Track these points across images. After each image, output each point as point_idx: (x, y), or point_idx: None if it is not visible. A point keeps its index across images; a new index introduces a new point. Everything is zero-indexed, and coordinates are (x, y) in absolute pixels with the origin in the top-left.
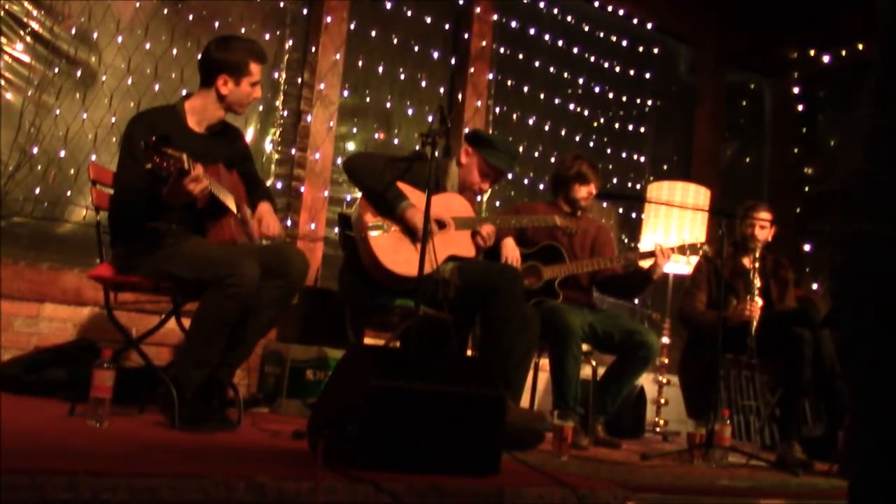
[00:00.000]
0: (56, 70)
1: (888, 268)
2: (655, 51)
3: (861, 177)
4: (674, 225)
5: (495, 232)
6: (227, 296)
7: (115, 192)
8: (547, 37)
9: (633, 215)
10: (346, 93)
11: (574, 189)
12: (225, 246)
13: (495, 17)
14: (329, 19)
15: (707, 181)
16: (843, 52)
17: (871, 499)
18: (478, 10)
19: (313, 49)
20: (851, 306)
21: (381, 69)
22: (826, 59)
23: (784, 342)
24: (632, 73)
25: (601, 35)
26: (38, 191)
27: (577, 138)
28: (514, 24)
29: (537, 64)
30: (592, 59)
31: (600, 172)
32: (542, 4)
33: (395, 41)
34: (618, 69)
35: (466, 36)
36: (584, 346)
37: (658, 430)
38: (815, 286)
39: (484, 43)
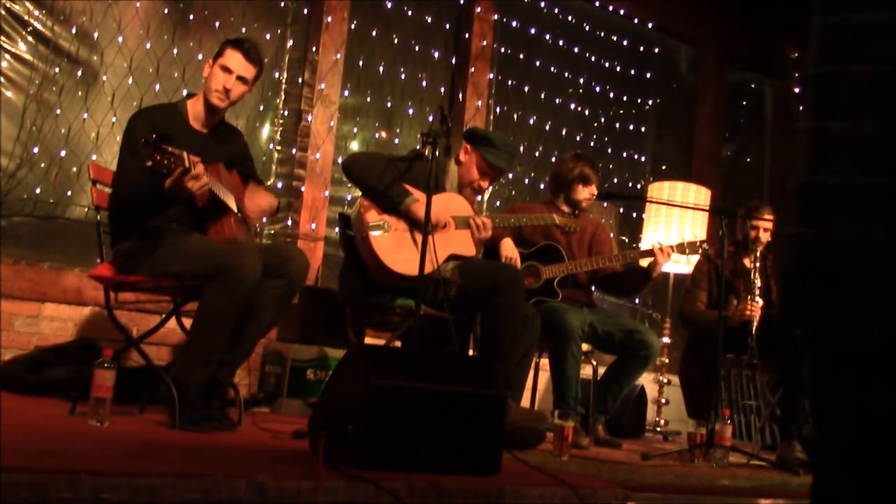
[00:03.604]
0: (57, 69)
1: (827, 267)
2: (656, 50)
3: (799, 182)
4: (674, 225)
5: (492, 226)
6: (229, 288)
7: (115, 187)
8: (547, 36)
9: (634, 215)
10: (346, 92)
11: (576, 190)
12: (225, 242)
13: (496, 16)
14: (330, 19)
15: (708, 181)
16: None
17: (834, 499)
18: (478, 9)
19: (314, 48)
20: (797, 305)
21: (381, 69)
22: None
23: (785, 342)
24: (632, 72)
25: (602, 35)
26: (38, 190)
27: (578, 138)
28: (514, 23)
29: (538, 63)
30: (593, 58)
31: (600, 173)
32: (542, 4)
33: (396, 41)
34: (618, 69)
35: (467, 35)
36: (585, 346)
37: (659, 429)
38: None
39: (484, 42)
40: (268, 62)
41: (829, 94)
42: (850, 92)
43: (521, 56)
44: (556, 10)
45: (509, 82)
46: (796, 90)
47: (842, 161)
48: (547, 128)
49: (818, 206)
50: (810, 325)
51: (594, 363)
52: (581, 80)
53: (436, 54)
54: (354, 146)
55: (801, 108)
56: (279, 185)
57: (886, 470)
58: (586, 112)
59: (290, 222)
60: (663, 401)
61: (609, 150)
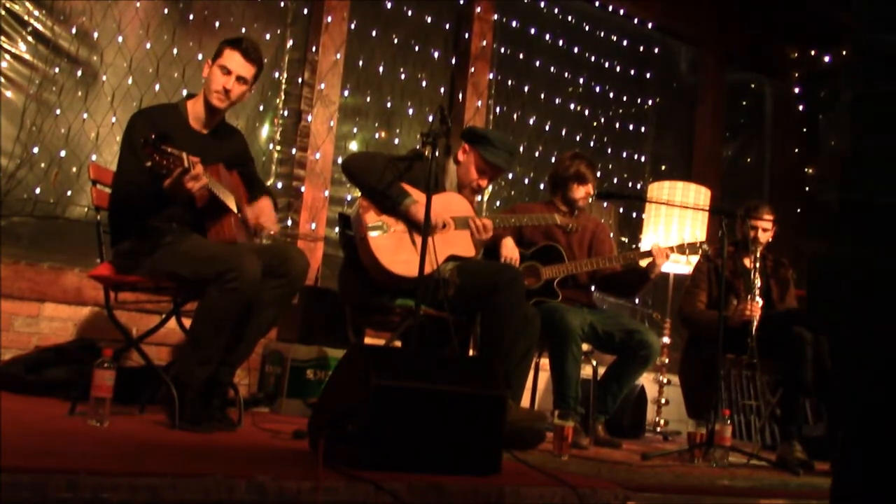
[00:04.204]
0: (57, 69)
1: (859, 286)
2: (656, 50)
3: (837, 202)
4: (674, 225)
5: (492, 227)
6: (228, 291)
7: (115, 186)
8: (547, 36)
9: (634, 215)
10: (346, 92)
11: (572, 189)
12: (225, 244)
13: (496, 16)
14: (329, 19)
15: (708, 181)
16: (844, 52)
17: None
18: (478, 9)
19: (314, 49)
20: (827, 323)
21: (381, 69)
22: (826, 58)
23: (784, 342)
24: (632, 72)
25: (601, 35)
26: (38, 190)
27: (578, 138)
28: (514, 23)
29: (538, 63)
30: (593, 58)
31: (598, 172)
32: (542, 4)
33: (396, 41)
34: (618, 69)
35: (467, 35)
36: (585, 346)
37: (658, 429)
38: None
39: (484, 42)
40: (268, 62)
41: (867, 116)
42: (888, 114)
43: (521, 56)
44: (556, 10)
45: (509, 82)
46: (796, 90)
47: (880, 182)
48: (547, 128)
49: (854, 224)
50: (839, 332)
51: (594, 363)
52: (581, 80)
53: (435, 54)
54: (354, 146)
55: (800, 107)
56: (279, 185)
57: None
58: (586, 112)
59: (290, 222)
60: (663, 401)
61: (609, 150)
